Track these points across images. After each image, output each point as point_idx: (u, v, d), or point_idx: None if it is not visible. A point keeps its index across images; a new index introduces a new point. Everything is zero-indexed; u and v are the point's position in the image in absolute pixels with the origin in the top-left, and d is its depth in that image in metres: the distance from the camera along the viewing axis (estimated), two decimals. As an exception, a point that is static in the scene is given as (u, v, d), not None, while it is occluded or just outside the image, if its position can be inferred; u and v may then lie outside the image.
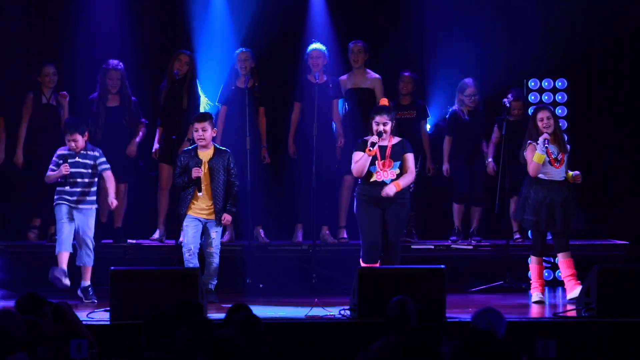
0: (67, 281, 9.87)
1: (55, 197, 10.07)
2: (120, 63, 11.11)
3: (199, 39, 11.43)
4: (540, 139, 9.72)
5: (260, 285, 10.64)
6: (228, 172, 10.10)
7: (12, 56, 11.60)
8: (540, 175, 9.81)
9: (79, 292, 9.97)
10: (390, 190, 9.46)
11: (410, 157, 9.65)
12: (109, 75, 11.08)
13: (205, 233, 10.07)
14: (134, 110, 11.15)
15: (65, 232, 9.96)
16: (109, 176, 10.14)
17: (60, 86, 11.27)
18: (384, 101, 9.98)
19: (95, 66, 11.27)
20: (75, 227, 9.99)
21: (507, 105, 10.92)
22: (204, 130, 10.05)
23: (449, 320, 8.54)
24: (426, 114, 11.58)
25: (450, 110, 11.50)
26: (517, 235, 11.41)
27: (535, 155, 9.72)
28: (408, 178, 9.61)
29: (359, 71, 11.39)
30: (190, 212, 10.06)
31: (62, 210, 9.99)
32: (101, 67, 11.14)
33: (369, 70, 11.43)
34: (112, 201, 10.11)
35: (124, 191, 11.22)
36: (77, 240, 9.99)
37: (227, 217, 10.10)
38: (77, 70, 11.56)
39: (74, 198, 9.99)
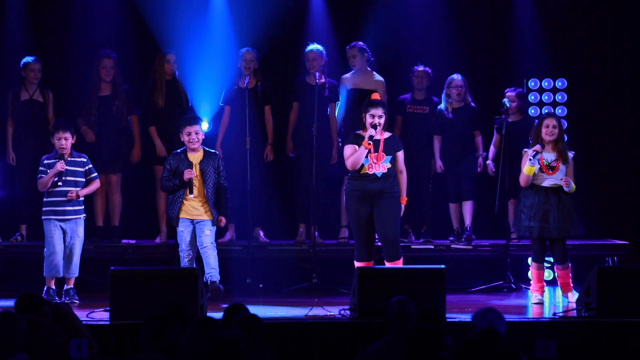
0: None
1: (44, 209, 9.94)
2: (113, 52, 11.09)
3: (196, 39, 11.41)
4: (531, 151, 9.69)
5: (260, 285, 10.64)
6: (218, 174, 10.11)
7: (6, 54, 11.58)
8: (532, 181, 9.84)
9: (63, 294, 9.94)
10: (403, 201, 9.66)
11: (402, 155, 9.68)
12: (103, 63, 11.03)
13: (197, 232, 10.08)
14: (125, 99, 11.10)
15: (56, 256, 9.85)
16: (96, 183, 10.08)
17: (51, 82, 11.23)
18: (376, 95, 9.99)
19: (85, 61, 11.27)
20: (64, 239, 9.91)
21: (507, 105, 10.90)
22: (196, 133, 10.07)
23: (449, 320, 8.53)
24: None
25: (437, 109, 11.45)
26: (513, 235, 11.38)
27: (526, 167, 9.71)
28: (405, 181, 9.68)
29: (363, 72, 11.35)
30: (182, 215, 10.06)
31: (52, 228, 9.87)
32: (94, 57, 11.12)
33: (374, 73, 11.38)
34: (77, 191, 9.94)
35: (117, 183, 11.19)
36: (68, 254, 9.88)
37: (222, 220, 10.12)
38: (69, 67, 11.56)
39: (63, 208, 9.87)
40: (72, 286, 9.93)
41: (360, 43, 11.33)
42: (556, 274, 10.13)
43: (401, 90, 11.59)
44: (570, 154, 9.84)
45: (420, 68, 11.49)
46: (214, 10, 11.69)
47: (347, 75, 11.39)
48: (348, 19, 11.98)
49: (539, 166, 9.73)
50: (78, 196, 9.93)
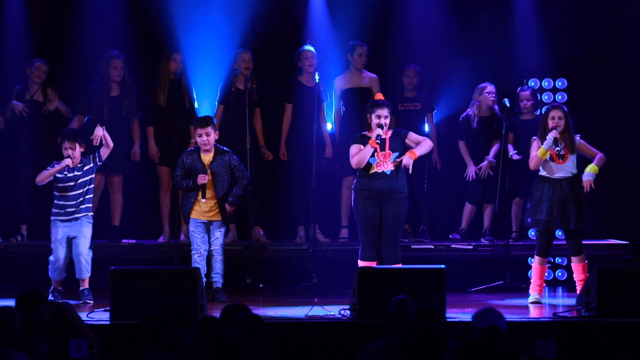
0: None
1: (53, 210, 9.96)
2: (121, 53, 11.11)
3: (194, 39, 11.40)
4: (549, 136, 9.67)
5: (260, 285, 10.64)
6: (231, 172, 10.10)
7: (8, 53, 11.58)
8: (543, 173, 9.79)
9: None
10: (407, 161, 9.46)
11: (412, 134, 9.65)
12: (113, 63, 11.03)
13: (209, 233, 10.09)
14: (133, 101, 11.11)
15: (60, 261, 9.88)
16: (106, 148, 10.07)
17: (53, 82, 11.24)
18: (380, 96, 9.99)
19: (88, 62, 11.26)
20: (71, 241, 9.93)
21: (508, 105, 10.89)
22: (207, 135, 10.05)
23: (448, 320, 8.54)
24: (432, 107, 11.53)
25: (463, 115, 11.42)
26: (513, 235, 11.36)
27: (541, 150, 9.67)
28: (424, 146, 9.58)
29: (355, 71, 11.37)
30: (194, 216, 10.06)
31: (58, 232, 9.91)
32: (102, 58, 11.11)
33: (363, 70, 11.42)
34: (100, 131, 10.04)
35: (118, 183, 11.19)
36: (74, 254, 9.91)
37: (229, 208, 10.10)
38: (70, 67, 11.57)
39: (70, 210, 9.90)
40: (86, 287, 9.93)
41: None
42: (573, 270, 9.96)
43: (399, 90, 11.58)
44: (576, 137, 9.80)
45: (412, 67, 11.48)
46: (214, 10, 11.67)
47: (340, 77, 11.38)
48: (348, 19, 11.97)
49: (550, 155, 9.67)
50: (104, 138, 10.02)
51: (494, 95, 11.25)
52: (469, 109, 11.38)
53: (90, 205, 10.04)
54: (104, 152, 10.07)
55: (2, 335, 6.00)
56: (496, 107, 11.30)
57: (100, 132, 10.10)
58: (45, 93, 11.14)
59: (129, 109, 11.09)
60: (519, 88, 11.38)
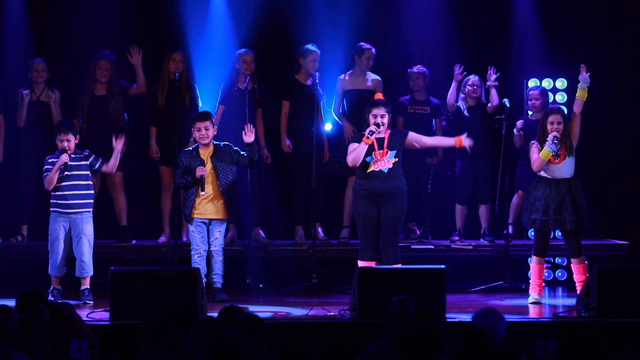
0: None
1: (51, 201, 9.98)
2: (112, 54, 11.10)
3: (197, 39, 11.41)
4: (550, 136, 9.67)
5: (260, 285, 10.65)
6: (234, 158, 10.08)
7: (10, 52, 11.59)
8: (541, 174, 9.80)
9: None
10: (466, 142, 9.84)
11: (412, 133, 9.75)
12: (99, 64, 11.04)
13: (209, 232, 10.08)
14: (122, 99, 11.08)
15: (59, 255, 9.90)
16: (108, 165, 10.10)
17: (53, 82, 11.25)
18: (379, 96, 10.00)
19: (89, 62, 11.27)
20: (72, 238, 9.92)
21: (507, 105, 10.90)
22: (206, 129, 10.07)
23: (448, 320, 8.54)
24: (440, 112, 11.53)
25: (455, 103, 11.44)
26: (504, 232, 11.30)
27: (543, 151, 9.67)
28: (442, 139, 10.29)
29: (360, 72, 11.36)
30: (195, 215, 10.05)
31: (56, 227, 9.92)
32: (93, 57, 11.13)
33: (369, 72, 11.41)
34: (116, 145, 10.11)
35: (119, 182, 11.17)
36: (75, 253, 9.91)
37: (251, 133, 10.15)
38: (71, 67, 11.57)
39: (70, 202, 9.89)
40: (87, 286, 9.94)
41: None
42: (573, 271, 9.96)
43: (402, 91, 11.59)
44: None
45: (415, 69, 11.47)
46: (214, 10, 11.68)
47: (344, 76, 11.36)
48: (348, 19, 11.97)
49: (554, 153, 9.69)
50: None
51: (474, 88, 11.24)
52: (458, 102, 11.36)
53: (91, 201, 10.02)
54: (103, 167, 10.11)
55: (0, 333, 6.01)
56: (484, 98, 11.30)
57: (119, 146, 10.13)
58: (49, 94, 11.14)
59: (115, 109, 11.05)
60: (529, 89, 11.39)
